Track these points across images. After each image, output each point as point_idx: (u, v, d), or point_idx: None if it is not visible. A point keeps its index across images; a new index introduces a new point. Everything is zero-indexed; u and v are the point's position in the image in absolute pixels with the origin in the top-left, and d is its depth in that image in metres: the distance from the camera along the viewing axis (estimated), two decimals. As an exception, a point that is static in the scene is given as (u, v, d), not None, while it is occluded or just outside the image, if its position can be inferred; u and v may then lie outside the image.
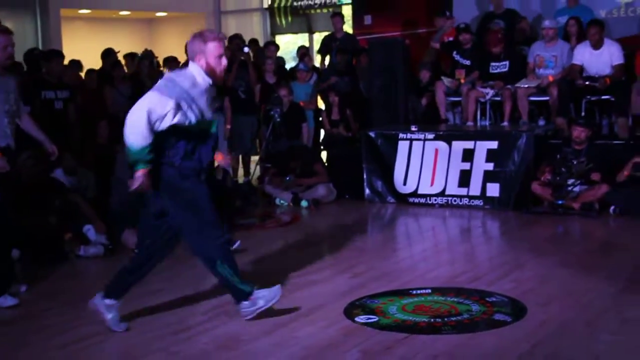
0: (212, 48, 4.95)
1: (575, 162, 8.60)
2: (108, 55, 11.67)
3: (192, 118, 4.89)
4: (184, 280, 6.38)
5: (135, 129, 4.78)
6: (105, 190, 8.22)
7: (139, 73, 11.40)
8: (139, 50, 12.53)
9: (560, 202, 8.58)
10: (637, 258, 6.79)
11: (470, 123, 10.47)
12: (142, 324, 5.28)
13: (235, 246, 7.03)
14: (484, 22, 11.61)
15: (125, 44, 13.60)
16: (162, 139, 4.91)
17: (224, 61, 5.03)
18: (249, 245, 7.50)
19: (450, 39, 11.43)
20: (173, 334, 5.05)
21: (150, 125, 4.77)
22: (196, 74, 4.96)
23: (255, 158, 11.51)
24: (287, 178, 9.90)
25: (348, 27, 13.48)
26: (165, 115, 4.79)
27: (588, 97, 9.88)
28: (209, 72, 4.97)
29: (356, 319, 5.21)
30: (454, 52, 10.94)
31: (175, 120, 4.83)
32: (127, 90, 10.72)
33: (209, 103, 5.03)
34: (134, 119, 4.78)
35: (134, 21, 17.35)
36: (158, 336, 5.03)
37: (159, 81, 5.01)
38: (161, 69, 11.94)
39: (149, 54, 11.35)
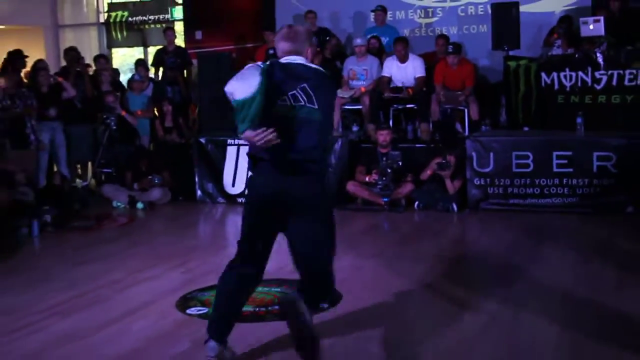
0: None
1: (400, 164, 8.89)
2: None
3: None
4: (21, 281, 6.09)
5: None
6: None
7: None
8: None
9: (386, 199, 8.81)
10: (439, 246, 7.11)
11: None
12: (-24, 326, 4.99)
13: None
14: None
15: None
16: None
17: None
18: (86, 245, 7.26)
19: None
20: (6, 334, 4.79)
21: None
22: None
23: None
24: (156, 180, 9.67)
25: (181, 42, 13.28)
26: None
27: (395, 105, 10.20)
28: None
29: (187, 311, 5.13)
30: None
31: None
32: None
33: None
34: None
35: (-30, 33, 16.33)
36: (-8, 336, 4.76)
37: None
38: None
39: None
